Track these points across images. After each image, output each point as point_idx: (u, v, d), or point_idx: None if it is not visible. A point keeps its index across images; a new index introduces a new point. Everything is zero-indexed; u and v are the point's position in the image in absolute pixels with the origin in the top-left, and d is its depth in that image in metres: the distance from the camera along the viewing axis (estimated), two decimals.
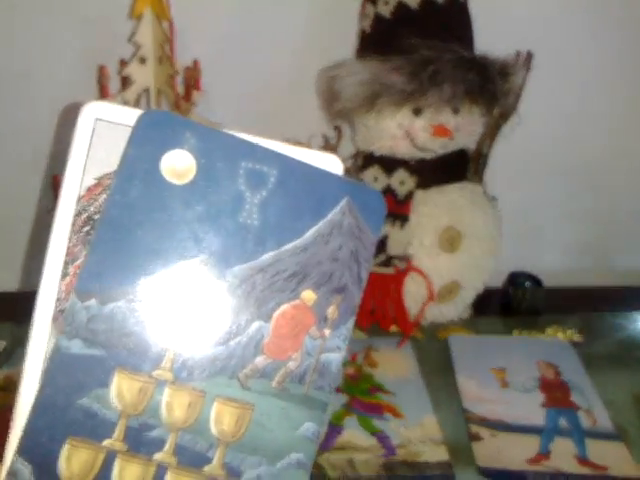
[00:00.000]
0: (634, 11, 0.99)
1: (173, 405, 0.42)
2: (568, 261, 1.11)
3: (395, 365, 0.85)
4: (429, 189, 0.90)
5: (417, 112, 0.85)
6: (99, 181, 0.43)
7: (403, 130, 0.86)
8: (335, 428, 0.74)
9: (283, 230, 0.43)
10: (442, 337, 0.92)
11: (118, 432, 0.41)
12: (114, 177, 0.42)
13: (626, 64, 1.01)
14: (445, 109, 0.85)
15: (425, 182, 0.90)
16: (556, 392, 0.80)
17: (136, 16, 0.85)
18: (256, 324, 0.43)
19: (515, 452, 0.71)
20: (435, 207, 0.90)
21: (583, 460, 0.70)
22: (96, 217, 0.42)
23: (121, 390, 0.42)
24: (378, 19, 0.87)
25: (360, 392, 0.80)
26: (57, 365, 0.41)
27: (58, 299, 0.42)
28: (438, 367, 0.86)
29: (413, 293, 0.91)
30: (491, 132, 0.94)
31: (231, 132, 0.43)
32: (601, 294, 1.04)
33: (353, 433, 0.73)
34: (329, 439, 0.72)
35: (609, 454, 0.71)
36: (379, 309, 0.91)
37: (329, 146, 0.93)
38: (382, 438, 0.73)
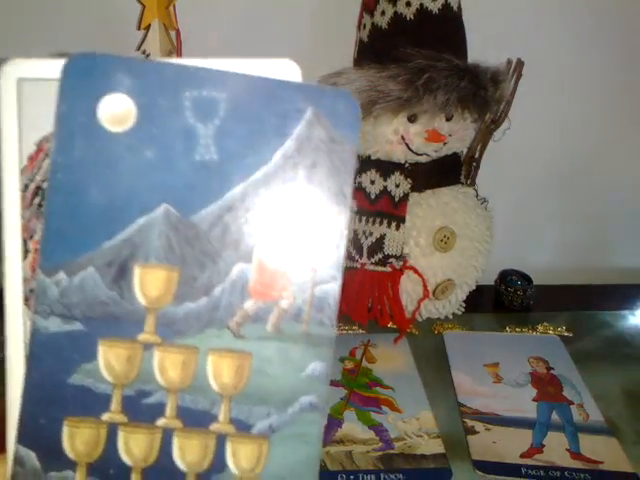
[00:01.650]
0: (625, 18, 0.98)
1: (166, 367, 0.38)
2: (558, 260, 1.10)
3: (392, 360, 0.83)
4: (424, 192, 0.89)
5: (412, 118, 0.83)
6: (39, 147, 0.37)
7: (399, 135, 0.84)
8: (335, 421, 0.71)
9: (246, 159, 0.37)
10: (437, 333, 0.90)
11: (115, 404, 0.38)
12: (52, 138, 0.36)
13: (617, 69, 1.00)
14: (439, 115, 0.83)
15: (420, 185, 0.88)
16: (548, 387, 0.78)
17: (144, 28, 0.83)
18: (237, 267, 0.38)
19: (509, 445, 0.69)
20: (429, 209, 0.88)
21: (576, 454, 0.68)
22: (44, 186, 0.37)
23: (109, 361, 0.38)
24: (375, 29, 0.85)
25: (359, 386, 0.78)
26: (39, 347, 0.38)
27: (25, 279, 0.38)
28: (434, 362, 0.84)
29: (409, 291, 0.89)
30: (483, 137, 0.93)
31: (168, 60, 0.38)
32: (590, 292, 1.02)
33: (352, 426, 0.71)
34: (329, 432, 0.70)
35: (601, 448, 0.68)
36: (377, 306, 0.89)
37: None
38: (380, 431, 0.71)
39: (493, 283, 1.02)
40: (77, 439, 0.38)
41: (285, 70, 0.38)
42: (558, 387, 0.78)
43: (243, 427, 0.38)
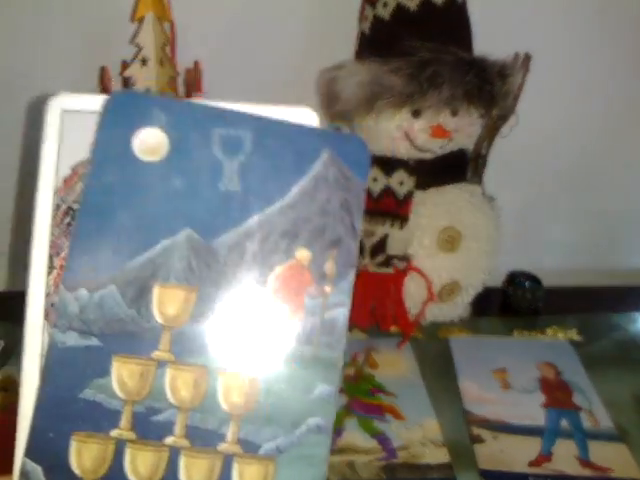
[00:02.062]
0: (632, 13, 0.96)
1: (178, 385, 0.40)
2: (567, 261, 1.08)
3: (396, 366, 0.82)
4: (428, 190, 0.87)
5: (416, 113, 0.82)
6: (74, 170, 0.41)
7: (402, 131, 0.83)
8: (335, 430, 0.69)
9: (266, 192, 0.41)
10: (442, 337, 0.88)
11: (125, 420, 0.39)
12: (88, 163, 0.40)
13: (624, 65, 0.99)
14: (444, 110, 0.82)
15: (424, 183, 0.87)
16: (557, 393, 0.76)
17: (137, 20, 0.82)
18: (253, 291, 0.40)
19: (517, 454, 0.67)
20: (434, 207, 0.86)
21: (585, 462, 0.66)
22: (75, 207, 0.41)
23: (122, 377, 0.39)
24: (377, 21, 0.83)
25: (361, 393, 0.76)
26: (54, 360, 0.39)
27: (48, 294, 0.40)
28: (439, 368, 0.82)
29: (413, 293, 0.88)
30: (489, 133, 0.91)
31: (200, 101, 0.42)
32: (600, 294, 1.01)
33: (353, 435, 0.69)
34: None
35: (611, 456, 0.67)
36: (379, 309, 0.87)
37: None
38: (383, 440, 0.69)
39: (500, 285, 1.00)
40: (84, 455, 0.39)
41: (305, 116, 0.42)
42: (567, 393, 0.77)
43: (250, 448, 0.39)
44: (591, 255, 1.09)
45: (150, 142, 0.40)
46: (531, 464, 0.66)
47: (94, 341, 0.39)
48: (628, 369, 0.82)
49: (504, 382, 0.78)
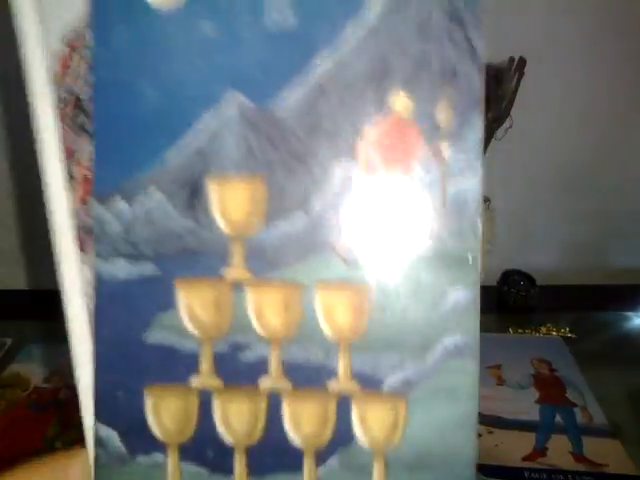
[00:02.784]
0: (627, 16, 0.96)
1: (263, 310, 0.30)
2: (561, 260, 1.09)
3: None
4: None
5: None
6: (69, 44, 0.30)
7: None
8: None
9: (334, 15, 0.28)
10: None
11: (206, 364, 0.30)
12: (87, 29, 0.29)
13: (619, 67, 0.99)
14: None
15: None
16: (551, 389, 0.77)
17: None
18: (340, 169, 0.29)
19: (512, 449, 0.68)
20: None
21: (579, 457, 0.67)
22: (85, 96, 0.30)
23: (192, 308, 0.30)
24: None
25: None
26: (106, 300, 0.30)
27: (74, 217, 0.30)
28: None
29: None
30: (485, 136, 0.91)
31: None
32: (594, 292, 1.01)
33: None
34: None
35: (605, 451, 0.68)
36: None
37: None
38: None
39: (495, 284, 1.01)
40: (163, 413, 0.30)
41: None
42: (561, 389, 0.77)
43: (370, 383, 0.30)
44: (584, 254, 1.09)
45: None
46: (525, 459, 0.67)
47: (149, 266, 0.30)
48: (621, 366, 0.83)
49: (499, 378, 0.79)
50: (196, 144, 0.29)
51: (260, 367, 0.30)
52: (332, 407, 0.30)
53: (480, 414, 0.72)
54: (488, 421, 0.72)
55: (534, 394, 0.77)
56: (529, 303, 0.97)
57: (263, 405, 0.30)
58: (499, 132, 0.92)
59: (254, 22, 0.28)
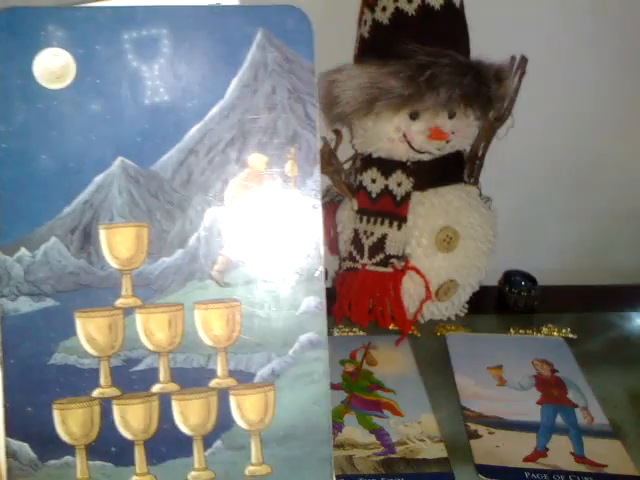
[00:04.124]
0: (628, 15, 0.97)
1: (151, 329, 0.37)
2: (562, 260, 1.09)
3: (394, 363, 0.82)
4: (426, 190, 0.88)
5: (414, 116, 0.83)
6: None
7: (400, 133, 0.84)
8: (335, 425, 0.70)
9: (199, 95, 0.35)
10: (440, 334, 0.89)
11: (104, 377, 0.37)
12: None
13: (620, 66, 1.00)
14: (441, 113, 0.83)
15: (422, 183, 0.87)
16: (552, 389, 0.77)
17: None
18: (210, 212, 0.36)
19: (512, 449, 0.68)
20: (432, 208, 0.87)
21: (580, 458, 0.67)
22: None
23: (89, 333, 0.36)
24: (376, 25, 0.84)
25: (359, 389, 0.77)
26: (11, 331, 0.35)
27: None
28: (436, 365, 0.83)
29: (411, 292, 0.88)
30: (486, 135, 0.92)
31: (100, 3, 0.34)
32: (595, 292, 1.02)
33: (352, 430, 0.70)
34: None
35: (606, 452, 0.67)
36: (378, 307, 0.88)
37: (328, 148, 0.90)
38: (381, 435, 0.69)
39: (497, 284, 1.01)
40: (70, 421, 0.36)
41: None
42: (562, 390, 0.77)
43: (245, 378, 0.37)
44: (585, 255, 1.10)
45: (53, 66, 0.33)
46: (526, 459, 0.66)
47: (49, 302, 0.36)
48: (622, 366, 0.83)
49: (500, 379, 0.79)
50: (86, 197, 0.36)
51: (151, 375, 0.37)
52: (214, 401, 0.37)
53: (481, 415, 0.73)
54: (489, 422, 0.72)
55: (535, 395, 0.76)
56: (530, 303, 0.97)
57: (156, 406, 0.37)
58: (500, 132, 0.92)
59: (134, 99, 0.34)
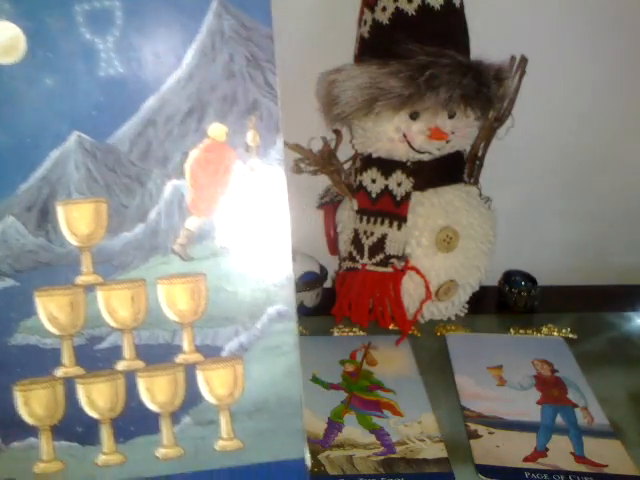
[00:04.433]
0: (628, 16, 0.97)
1: (114, 306, 0.36)
2: (562, 260, 1.09)
3: (394, 363, 0.82)
4: (426, 190, 0.88)
5: (414, 116, 0.83)
6: None
7: (400, 133, 0.84)
8: (335, 425, 0.70)
9: (155, 66, 0.34)
10: (440, 334, 0.89)
11: (67, 357, 0.36)
12: None
13: (619, 67, 0.99)
14: (441, 113, 0.82)
15: (422, 183, 0.87)
16: (552, 390, 0.77)
17: None
18: (169, 185, 0.36)
19: (512, 449, 0.68)
20: (432, 208, 0.87)
21: (580, 458, 0.67)
22: None
23: (50, 312, 0.35)
24: (376, 25, 0.84)
25: (360, 389, 0.77)
26: None
27: None
28: (436, 365, 0.83)
29: (411, 292, 0.88)
30: (486, 135, 0.92)
31: None
32: (595, 293, 1.02)
33: (352, 430, 0.70)
34: (329, 436, 0.69)
35: (606, 452, 0.67)
36: (378, 307, 0.87)
37: (328, 149, 0.90)
38: (381, 435, 0.70)
39: (497, 284, 1.01)
40: (33, 403, 0.36)
41: None
42: (562, 390, 0.77)
43: (212, 352, 0.37)
44: (585, 255, 1.10)
45: (2, 40, 0.32)
46: (526, 459, 0.66)
47: (8, 281, 0.35)
48: (622, 366, 0.83)
49: (500, 379, 0.79)
50: (43, 173, 0.34)
51: (116, 353, 0.36)
52: (181, 377, 0.37)
53: (481, 415, 0.73)
54: (489, 422, 0.72)
55: (535, 395, 0.77)
56: (530, 303, 0.97)
57: (121, 383, 0.36)
58: (500, 132, 0.92)
59: (88, 73, 0.34)
